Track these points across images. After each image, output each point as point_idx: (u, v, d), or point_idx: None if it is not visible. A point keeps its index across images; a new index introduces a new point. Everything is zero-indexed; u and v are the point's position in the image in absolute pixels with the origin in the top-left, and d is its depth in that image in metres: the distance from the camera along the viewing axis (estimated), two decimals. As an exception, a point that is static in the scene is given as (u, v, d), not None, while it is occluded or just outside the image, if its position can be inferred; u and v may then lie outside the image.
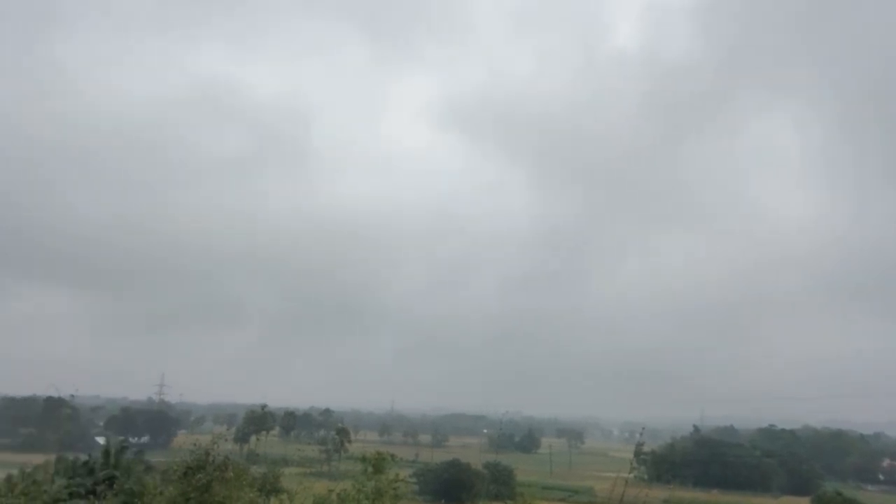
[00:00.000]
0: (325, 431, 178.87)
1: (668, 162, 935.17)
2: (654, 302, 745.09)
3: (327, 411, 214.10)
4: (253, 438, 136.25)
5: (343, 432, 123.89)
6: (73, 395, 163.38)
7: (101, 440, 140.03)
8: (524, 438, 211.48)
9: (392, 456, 18.05)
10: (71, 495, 21.86)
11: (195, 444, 20.02)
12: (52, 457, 47.30)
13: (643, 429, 26.28)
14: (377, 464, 17.21)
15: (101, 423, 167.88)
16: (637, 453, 31.55)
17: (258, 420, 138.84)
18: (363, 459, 17.62)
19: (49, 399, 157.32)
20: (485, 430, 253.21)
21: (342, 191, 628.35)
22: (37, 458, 56.74)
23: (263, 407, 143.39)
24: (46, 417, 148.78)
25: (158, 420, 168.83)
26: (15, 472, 27.96)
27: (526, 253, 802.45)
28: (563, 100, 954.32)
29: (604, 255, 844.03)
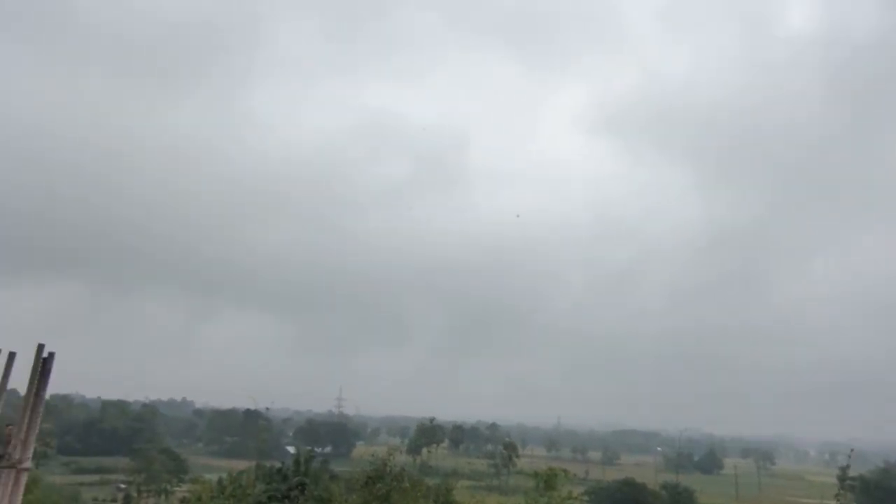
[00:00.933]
0: (493, 445, 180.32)
1: (862, 151, 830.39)
2: (854, 306, 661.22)
3: (494, 425, 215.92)
4: (424, 450, 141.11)
5: (511, 447, 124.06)
6: (267, 409, 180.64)
7: (291, 449, 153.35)
8: (704, 458, 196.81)
9: (565, 472, 17.57)
10: (269, 499, 24.05)
11: (373, 456, 21.02)
12: (253, 463, 52.12)
13: (852, 451, 23.10)
14: (549, 480, 16.85)
15: (291, 434, 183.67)
16: (843, 478, 27.76)
17: (428, 433, 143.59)
18: (535, 475, 17.34)
19: (247, 411, 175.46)
20: (659, 448, 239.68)
21: (500, 206, 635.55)
22: (238, 464, 63.59)
23: (432, 420, 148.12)
24: (246, 427, 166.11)
25: (339, 432, 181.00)
26: (224, 475, 31.17)
27: (696, 258, 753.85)
28: (728, 93, 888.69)
29: (789, 258, 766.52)
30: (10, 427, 6.67)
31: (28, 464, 6.57)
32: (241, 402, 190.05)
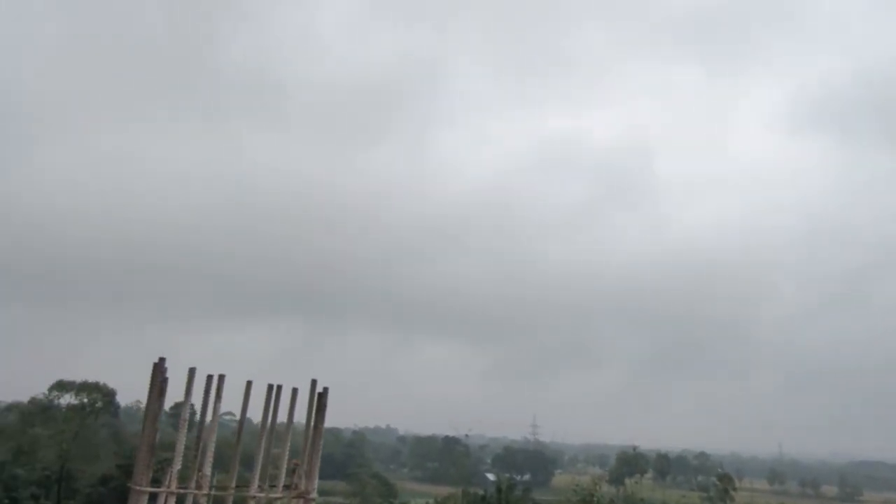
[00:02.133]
0: (703, 477, 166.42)
1: None
2: None
3: (702, 454, 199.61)
4: (628, 481, 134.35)
5: (726, 479, 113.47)
6: (466, 435, 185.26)
7: (490, 476, 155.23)
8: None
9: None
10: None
11: (577, 485, 20.14)
12: (457, 490, 53.17)
13: None
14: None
15: (489, 461, 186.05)
16: None
17: (631, 462, 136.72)
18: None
19: (446, 438, 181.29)
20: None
21: (694, 219, 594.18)
22: (441, 490, 65.75)
23: (635, 449, 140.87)
24: (445, 453, 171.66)
25: (536, 459, 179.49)
26: (431, 501, 32.03)
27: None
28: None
29: None
30: (295, 461, 7.24)
31: (314, 493, 7.00)
32: (441, 429, 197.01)
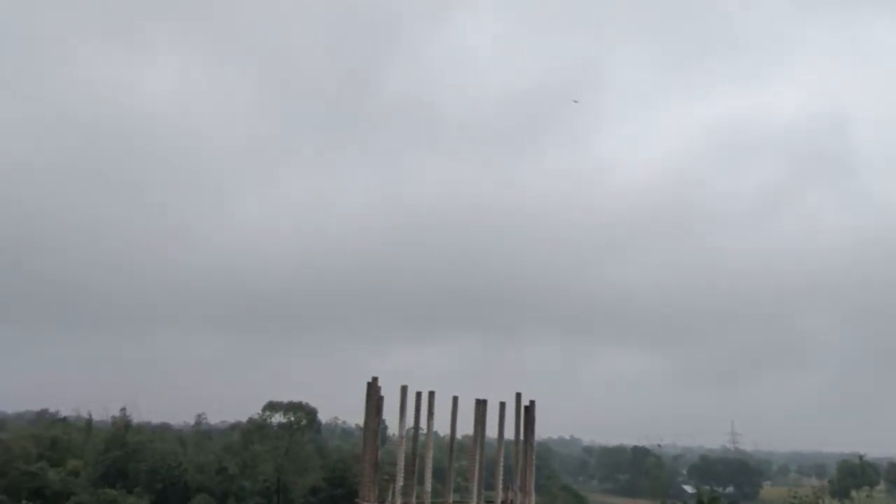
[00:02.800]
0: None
1: None
2: None
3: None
4: (854, 493, 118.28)
5: None
6: (659, 445, 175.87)
7: (688, 489, 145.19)
8: None
9: None
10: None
11: (794, 497, 17.64)
12: (656, 503, 50.16)
13: None
14: None
15: (684, 472, 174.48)
16: None
17: (856, 472, 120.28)
18: None
19: (635, 448, 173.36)
20: None
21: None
22: (634, 503, 62.19)
23: (861, 457, 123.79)
24: (636, 465, 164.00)
25: (739, 470, 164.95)
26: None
27: None
28: None
29: None
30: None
31: (532, 509, 6.64)
32: (628, 439, 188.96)
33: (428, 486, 6.20)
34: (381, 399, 5.73)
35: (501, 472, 6.99)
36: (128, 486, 67.02)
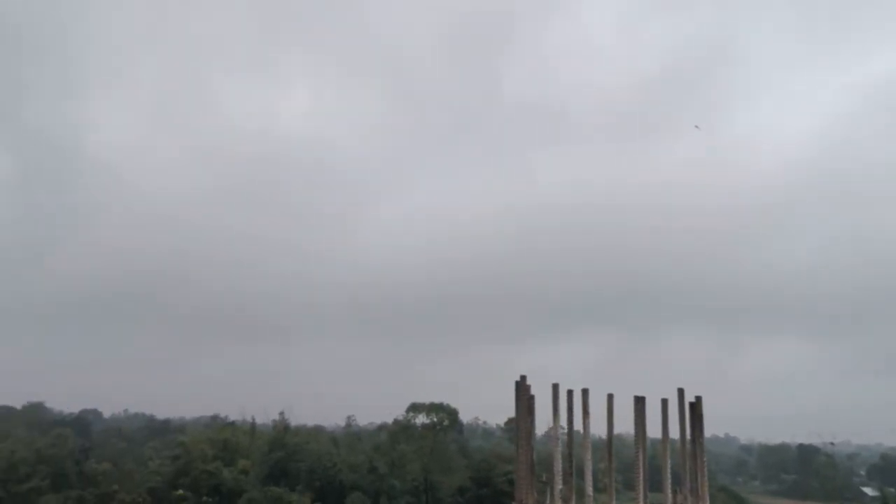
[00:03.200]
0: None
1: None
2: None
3: None
4: None
5: None
6: (831, 443, 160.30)
7: (868, 490, 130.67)
8: None
9: None
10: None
11: None
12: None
13: None
14: None
15: (862, 472, 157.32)
16: None
17: None
18: None
19: (801, 446, 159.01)
20: None
21: None
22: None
23: None
24: (803, 464, 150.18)
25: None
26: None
27: None
28: None
29: None
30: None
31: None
32: (792, 436, 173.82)
33: (589, 489, 5.78)
34: (531, 398, 5.46)
35: (669, 475, 6.41)
36: (290, 484, 72.05)
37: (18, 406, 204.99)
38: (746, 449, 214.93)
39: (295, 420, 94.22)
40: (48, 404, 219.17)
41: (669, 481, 6.31)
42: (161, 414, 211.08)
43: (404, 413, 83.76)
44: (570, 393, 6.22)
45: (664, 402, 6.36)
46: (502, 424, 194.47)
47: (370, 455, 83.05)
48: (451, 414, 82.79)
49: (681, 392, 6.37)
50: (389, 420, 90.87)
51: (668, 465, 6.49)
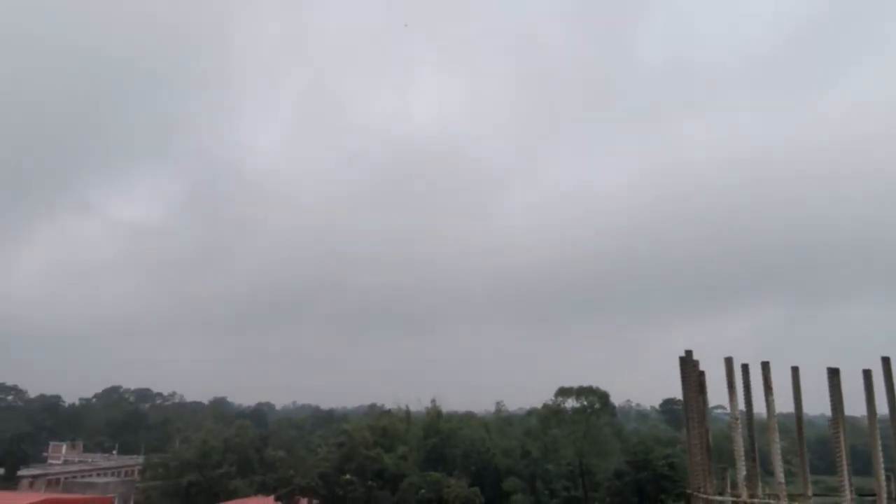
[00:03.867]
0: None
1: None
2: None
3: None
4: None
5: None
6: None
7: None
8: None
9: None
10: None
11: None
12: None
13: None
14: None
15: None
16: None
17: None
18: None
19: None
20: None
21: None
22: None
23: None
24: None
25: None
26: None
27: None
28: None
29: None
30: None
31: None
32: None
33: (780, 474, 5.10)
34: (701, 374, 4.92)
35: (881, 459, 5.49)
36: (447, 468, 74.40)
37: (206, 401, 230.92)
38: None
39: (446, 407, 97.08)
40: (229, 399, 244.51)
41: (882, 463, 5.46)
42: (325, 405, 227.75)
43: (553, 398, 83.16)
44: (745, 367, 5.55)
45: (867, 375, 5.51)
46: (657, 406, 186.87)
47: (522, 440, 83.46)
48: (602, 397, 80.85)
49: (886, 361, 5.49)
50: (538, 405, 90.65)
51: (879, 448, 5.62)
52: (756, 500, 4.91)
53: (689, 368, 5.21)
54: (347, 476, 73.08)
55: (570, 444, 79.60)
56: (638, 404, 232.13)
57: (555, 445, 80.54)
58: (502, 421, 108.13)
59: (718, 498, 4.97)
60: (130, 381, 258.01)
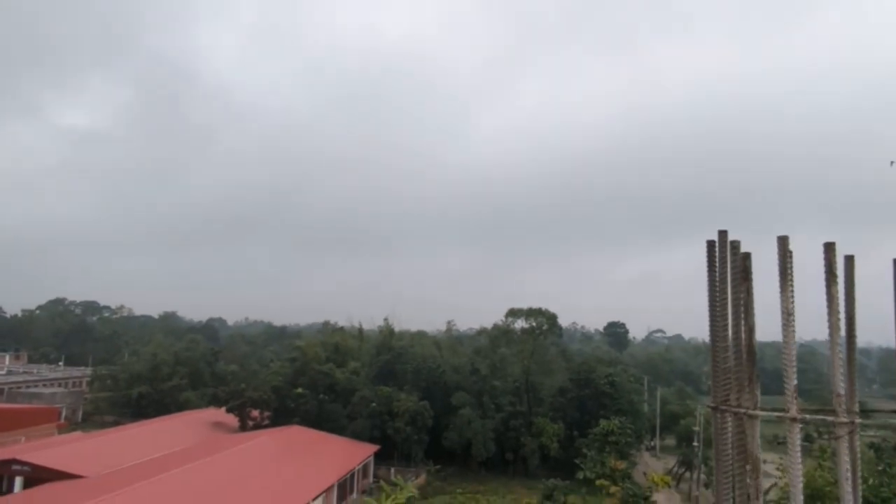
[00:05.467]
0: None
1: None
2: None
3: None
4: None
5: None
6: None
7: None
8: None
9: None
10: None
11: None
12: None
13: None
14: None
15: None
16: None
17: None
18: None
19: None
20: None
21: None
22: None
23: None
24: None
25: None
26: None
27: None
28: None
29: None
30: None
31: None
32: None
33: (840, 387, 4.67)
34: (747, 257, 4.22)
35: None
36: (398, 383, 76.39)
37: (155, 315, 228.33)
38: (865, 353, 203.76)
39: (399, 326, 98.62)
40: (180, 314, 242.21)
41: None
42: (278, 321, 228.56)
43: (503, 318, 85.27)
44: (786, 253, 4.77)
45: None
46: (601, 329, 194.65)
47: (472, 358, 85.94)
48: (550, 318, 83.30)
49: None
50: (489, 325, 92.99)
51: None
52: (808, 417, 4.67)
53: (731, 250, 4.83)
54: (299, 390, 74.31)
55: (518, 363, 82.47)
56: (583, 327, 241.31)
57: (503, 363, 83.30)
58: (453, 340, 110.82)
59: (762, 412, 4.76)
60: (76, 293, 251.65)
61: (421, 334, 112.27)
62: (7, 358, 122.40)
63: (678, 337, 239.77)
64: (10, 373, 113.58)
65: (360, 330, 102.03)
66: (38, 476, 49.55)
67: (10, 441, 63.75)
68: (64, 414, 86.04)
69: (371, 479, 66.25)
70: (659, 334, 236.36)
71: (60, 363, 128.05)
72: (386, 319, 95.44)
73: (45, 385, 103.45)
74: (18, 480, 50.92)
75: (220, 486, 46.39)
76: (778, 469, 42.42)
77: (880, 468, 22.38)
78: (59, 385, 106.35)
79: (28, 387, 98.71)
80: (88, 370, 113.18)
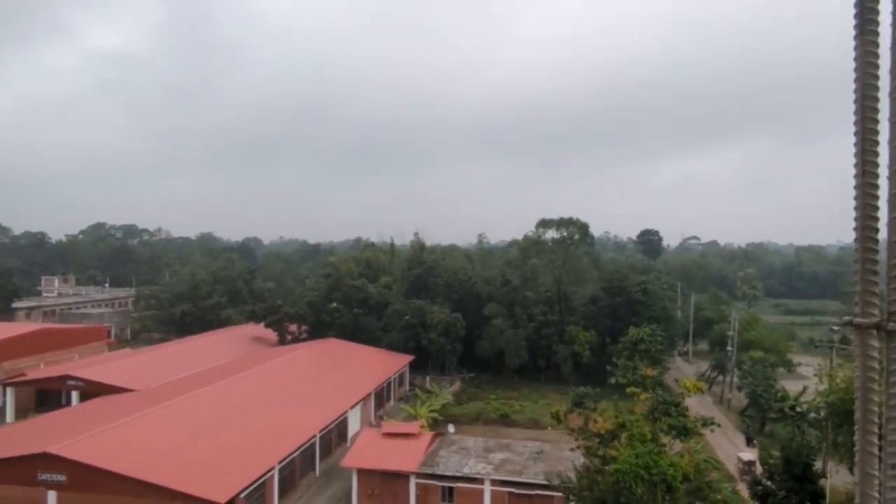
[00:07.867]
0: None
1: None
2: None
3: None
4: None
5: None
6: None
7: None
8: None
9: None
10: None
11: None
12: None
13: None
14: None
15: None
16: None
17: None
18: None
19: None
20: None
21: None
22: None
23: None
24: None
25: None
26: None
27: None
28: None
29: None
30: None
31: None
32: None
33: None
34: None
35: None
36: (430, 297, 77.35)
37: (193, 237, 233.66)
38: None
39: (430, 241, 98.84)
40: (216, 234, 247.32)
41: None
42: (312, 239, 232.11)
43: (534, 229, 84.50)
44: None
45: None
46: (634, 237, 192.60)
47: (503, 269, 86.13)
48: (582, 228, 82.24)
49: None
50: (520, 237, 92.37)
51: None
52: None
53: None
54: (334, 304, 75.91)
55: (549, 273, 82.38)
56: (616, 235, 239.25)
57: (534, 274, 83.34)
58: (484, 252, 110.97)
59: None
60: (115, 217, 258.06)
61: (452, 248, 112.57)
62: (56, 281, 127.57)
63: (713, 243, 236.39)
64: (60, 295, 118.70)
65: (392, 245, 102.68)
66: (91, 390, 52.38)
67: (65, 359, 67.23)
68: (113, 332, 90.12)
69: (407, 387, 68.47)
70: (693, 241, 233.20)
71: (106, 284, 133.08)
72: (416, 234, 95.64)
73: (93, 306, 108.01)
74: (75, 394, 53.94)
75: (265, 396, 48.43)
76: (815, 374, 42.04)
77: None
78: (106, 305, 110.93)
79: (78, 308, 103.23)
80: (132, 291, 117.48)
